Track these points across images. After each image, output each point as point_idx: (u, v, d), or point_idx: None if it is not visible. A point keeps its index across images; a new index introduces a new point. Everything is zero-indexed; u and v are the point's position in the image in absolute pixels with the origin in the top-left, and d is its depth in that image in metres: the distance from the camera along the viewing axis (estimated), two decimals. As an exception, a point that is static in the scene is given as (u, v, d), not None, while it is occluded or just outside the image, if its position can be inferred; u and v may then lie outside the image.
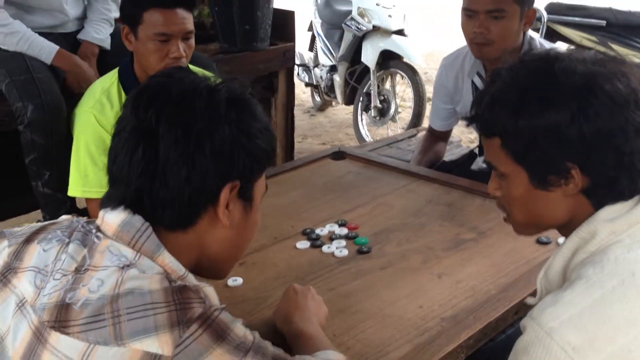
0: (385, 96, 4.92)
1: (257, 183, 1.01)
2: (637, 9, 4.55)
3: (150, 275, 0.86)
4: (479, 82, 2.16)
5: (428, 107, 5.08)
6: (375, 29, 4.85)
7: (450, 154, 2.66)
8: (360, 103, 5.06)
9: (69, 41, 2.42)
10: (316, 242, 1.59)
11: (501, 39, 1.98)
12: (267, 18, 2.91)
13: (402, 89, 5.11)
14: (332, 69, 5.46)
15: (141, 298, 0.83)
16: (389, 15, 4.89)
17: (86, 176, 1.91)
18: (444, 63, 2.30)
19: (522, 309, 1.32)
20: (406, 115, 5.30)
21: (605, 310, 0.91)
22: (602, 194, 1.01)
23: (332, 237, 1.61)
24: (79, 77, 2.31)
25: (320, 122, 5.95)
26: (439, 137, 2.44)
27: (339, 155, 2.20)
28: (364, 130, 5.07)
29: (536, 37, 2.11)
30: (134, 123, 0.93)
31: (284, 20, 3.10)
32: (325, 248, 1.57)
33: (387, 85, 5.08)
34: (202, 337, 0.82)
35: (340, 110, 6.21)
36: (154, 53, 1.88)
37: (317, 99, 5.99)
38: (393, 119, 4.95)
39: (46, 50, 2.25)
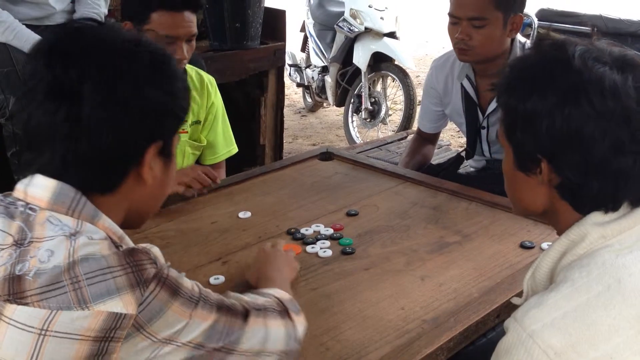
0: (376, 98, 4.92)
1: (174, 138, 1.03)
2: (626, 16, 4.59)
3: (98, 241, 0.89)
4: (468, 85, 2.16)
5: (418, 110, 5.11)
6: (367, 30, 4.86)
7: (438, 157, 2.67)
8: (351, 105, 5.07)
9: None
10: (302, 242, 1.59)
11: (482, 46, 2.00)
12: (258, 17, 2.91)
13: (393, 92, 5.12)
14: (324, 69, 5.46)
15: (97, 263, 0.86)
16: (381, 18, 4.90)
17: None
18: (434, 65, 2.30)
19: (503, 312, 1.33)
20: (397, 117, 5.30)
21: (589, 316, 0.90)
22: (573, 196, 1.00)
23: (317, 238, 1.61)
24: None
25: (311, 123, 5.95)
26: (427, 139, 2.44)
27: (326, 156, 2.20)
28: (354, 132, 5.07)
29: (529, 43, 2.11)
30: (49, 81, 0.90)
31: (275, 19, 3.09)
32: (309, 248, 1.56)
33: (378, 87, 5.08)
34: (160, 294, 0.89)
35: (331, 112, 6.21)
36: None
37: (309, 99, 5.99)
38: (383, 121, 4.96)
39: (31, 42, 2.22)
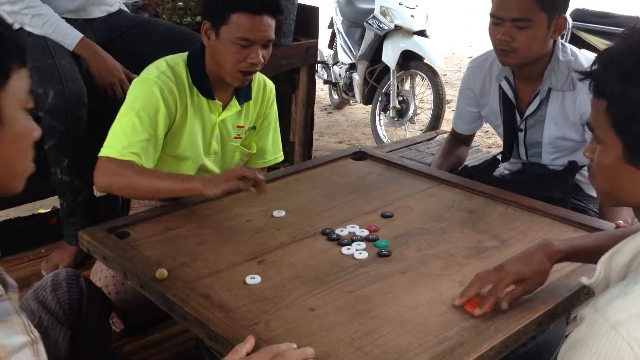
0: (405, 97, 4.88)
1: (3, 95, 0.91)
2: (665, 19, 4.49)
3: None
4: (506, 87, 2.13)
5: (447, 110, 5.06)
6: (397, 28, 4.82)
7: (471, 159, 2.63)
8: (378, 103, 5.03)
9: (93, 27, 2.41)
10: (338, 242, 1.57)
11: (525, 48, 1.95)
12: (291, 13, 2.89)
13: (422, 91, 5.07)
14: (352, 67, 5.43)
15: None
16: (412, 16, 4.86)
17: (128, 138, 1.82)
18: (471, 65, 2.27)
19: (544, 322, 1.30)
20: (424, 117, 5.26)
21: None
22: None
23: (352, 239, 1.59)
24: (100, 67, 2.30)
25: (337, 120, 5.93)
26: (461, 140, 2.41)
27: (359, 155, 2.18)
28: (381, 131, 5.04)
29: (567, 45, 2.07)
30: None
31: (308, 16, 3.07)
32: (344, 249, 1.55)
33: (407, 86, 5.04)
34: None
35: (358, 109, 6.19)
36: (233, 55, 1.85)
37: (335, 96, 5.97)
38: (411, 121, 4.92)
39: (70, 37, 2.24)
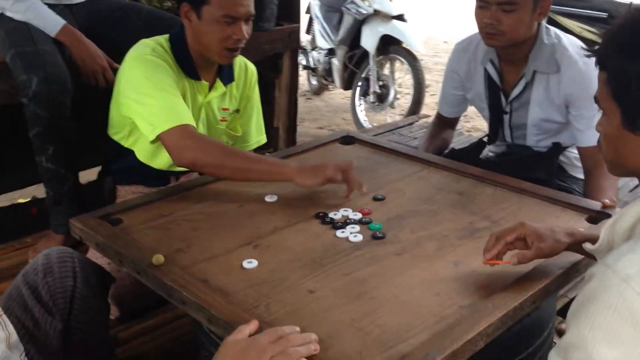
0: (385, 82, 4.90)
1: None
2: (638, 1, 4.56)
3: None
4: (491, 70, 2.15)
5: (427, 94, 5.08)
6: (376, 13, 4.83)
7: (454, 143, 2.66)
8: (358, 88, 5.04)
9: (75, 12, 2.37)
10: (332, 226, 1.58)
11: (512, 30, 1.98)
12: (273, -2, 2.88)
13: (401, 75, 5.09)
14: (330, 52, 5.42)
15: None
16: (390, 0, 4.86)
17: (174, 107, 1.82)
18: (456, 49, 2.29)
19: (538, 299, 1.33)
20: (404, 101, 5.28)
21: None
22: None
23: (346, 222, 1.60)
24: (83, 54, 2.27)
25: (317, 106, 5.93)
26: (447, 123, 2.43)
27: (347, 140, 2.19)
28: (361, 115, 5.05)
29: (551, 27, 2.09)
30: None
31: (290, 1, 3.06)
32: (339, 232, 1.56)
33: (386, 70, 5.05)
34: None
35: (337, 95, 6.19)
36: (218, 33, 1.86)
37: (314, 82, 5.96)
38: (391, 105, 4.94)
39: (52, 23, 2.20)
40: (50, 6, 2.24)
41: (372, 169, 1.96)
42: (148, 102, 1.83)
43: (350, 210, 1.66)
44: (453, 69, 2.30)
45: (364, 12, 4.86)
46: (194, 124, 1.84)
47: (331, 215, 1.64)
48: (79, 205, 2.27)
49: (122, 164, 2.12)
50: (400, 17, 4.83)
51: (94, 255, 1.83)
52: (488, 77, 2.17)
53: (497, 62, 2.14)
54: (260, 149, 2.35)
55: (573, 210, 1.69)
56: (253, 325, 1.13)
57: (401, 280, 1.37)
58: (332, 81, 5.43)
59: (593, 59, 2.01)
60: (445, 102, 2.39)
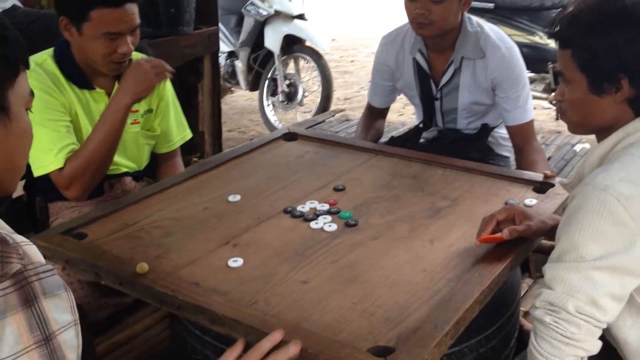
0: (292, 80, 4.95)
1: (11, 91, 0.93)
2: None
3: None
4: (420, 59, 2.25)
5: (336, 89, 5.19)
6: (277, 13, 4.87)
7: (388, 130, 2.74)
8: (266, 88, 5.06)
9: None
10: (303, 219, 1.61)
11: (441, 20, 2.09)
12: (192, 1, 2.84)
13: (308, 73, 5.17)
14: (231, 54, 5.40)
15: None
16: (290, 0, 4.92)
17: (53, 145, 1.81)
18: (384, 42, 2.37)
19: (514, 265, 1.43)
20: (311, 98, 5.37)
21: None
22: None
23: (315, 214, 1.63)
24: None
25: (222, 110, 5.88)
26: (378, 114, 2.52)
27: (290, 136, 2.22)
28: (271, 115, 5.08)
29: (472, 17, 2.23)
30: None
31: (207, 4, 3.04)
32: (312, 224, 1.59)
33: (291, 69, 5.11)
34: (11, 296, 0.80)
35: (240, 97, 6.17)
36: (101, 50, 1.81)
37: (217, 86, 5.90)
38: (300, 103, 5.00)
39: None
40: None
41: (323, 162, 2.00)
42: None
43: (316, 202, 1.70)
44: (382, 61, 2.38)
45: (265, 13, 4.88)
46: (60, 163, 1.82)
47: (299, 208, 1.67)
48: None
49: (49, 182, 2.03)
50: (301, 17, 4.91)
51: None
52: (417, 66, 2.28)
53: (426, 52, 2.25)
54: (186, 154, 2.32)
55: (519, 183, 1.82)
56: (239, 347, 1.09)
57: (386, 262, 1.42)
58: (236, 83, 5.40)
59: (514, 45, 2.18)
60: (375, 93, 2.48)
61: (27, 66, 0.96)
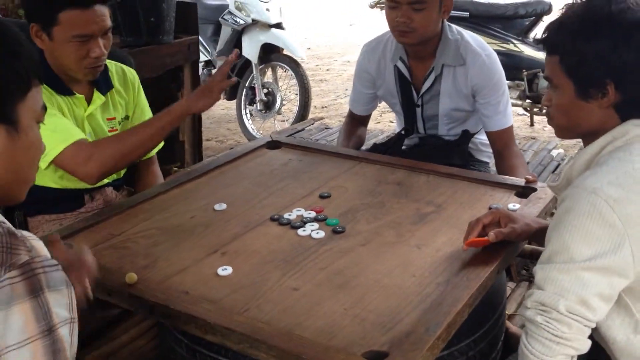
0: (270, 89, 4.96)
1: (21, 105, 0.97)
2: (494, 0, 4.98)
3: None
4: (402, 67, 2.28)
5: (314, 98, 5.20)
6: (254, 22, 4.87)
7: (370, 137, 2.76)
8: (244, 97, 5.05)
9: None
10: (290, 226, 1.62)
11: (422, 28, 2.12)
12: (172, 10, 2.84)
13: (286, 82, 5.18)
14: (208, 64, 5.40)
15: None
16: (267, 9, 4.94)
17: (58, 129, 1.77)
18: (365, 49, 2.39)
19: (501, 269, 1.45)
20: (289, 107, 5.38)
21: (636, 175, 1.21)
22: (628, 109, 1.29)
23: (302, 221, 1.64)
24: None
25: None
26: (359, 121, 2.54)
27: (273, 144, 2.22)
28: (249, 124, 5.07)
29: (452, 25, 2.26)
30: None
31: (186, 13, 3.04)
32: (300, 232, 1.59)
33: (269, 78, 5.12)
34: (18, 285, 0.83)
35: (216, 106, 6.14)
36: (73, 54, 1.80)
37: (193, 95, 5.88)
38: (279, 112, 5.01)
39: None
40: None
41: (307, 170, 2.01)
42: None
43: (303, 210, 1.70)
44: (363, 68, 2.40)
45: (242, 22, 4.89)
46: (84, 136, 1.83)
47: (286, 216, 1.67)
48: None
49: (29, 195, 2.00)
50: (278, 26, 4.92)
51: None
52: (399, 74, 2.30)
53: (407, 60, 2.28)
54: (166, 164, 2.31)
55: (502, 188, 1.84)
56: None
57: (376, 268, 1.43)
58: (214, 93, 5.38)
59: (493, 52, 2.22)
60: (357, 100, 2.49)
61: (40, 81, 1.00)
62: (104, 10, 1.82)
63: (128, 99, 2.09)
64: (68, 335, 0.88)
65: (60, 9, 1.76)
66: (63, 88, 1.90)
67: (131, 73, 2.12)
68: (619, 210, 1.18)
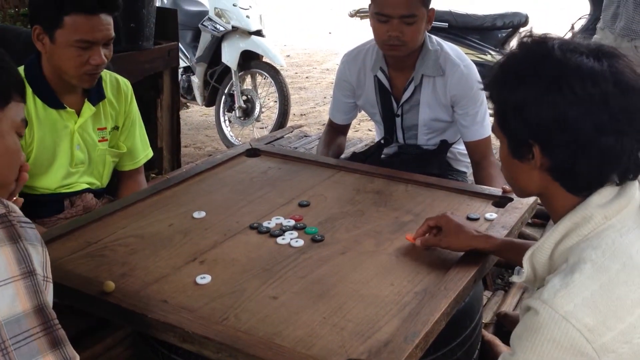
0: (249, 96, 4.95)
1: (1, 115, 1.02)
2: (473, 11, 5.04)
3: None
4: (382, 77, 2.29)
5: (293, 105, 5.20)
6: (234, 29, 4.87)
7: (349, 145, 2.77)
8: (222, 104, 5.04)
9: None
10: (269, 234, 1.62)
11: (412, 41, 2.14)
12: (151, 16, 2.83)
13: (265, 89, 5.18)
14: (186, 70, 5.37)
15: None
16: (247, 16, 4.94)
17: None
18: (345, 59, 2.40)
19: (478, 278, 1.46)
20: (268, 114, 5.37)
21: (614, 292, 1.04)
22: (564, 177, 1.13)
23: (282, 229, 1.64)
24: None
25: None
26: (339, 130, 2.55)
27: (253, 152, 2.22)
28: (227, 131, 5.06)
29: (432, 35, 2.28)
30: None
31: (166, 19, 3.03)
32: (279, 240, 1.59)
33: (248, 85, 5.11)
34: None
35: (194, 113, 6.14)
36: (73, 59, 1.81)
37: (172, 101, 5.85)
38: (257, 119, 5.00)
39: None
40: None
41: (287, 178, 2.01)
42: None
43: (282, 218, 1.70)
44: (344, 78, 2.42)
45: (222, 29, 4.88)
46: None
47: (265, 224, 1.67)
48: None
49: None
50: (258, 33, 4.92)
51: None
52: (379, 84, 2.32)
53: (387, 70, 2.29)
54: (144, 170, 2.30)
55: (480, 198, 1.86)
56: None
57: (355, 277, 1.44)
58: (192, 99, 5.36)
59: (472, 63, 2.22)
60: (337, 109, 2.51)
61: (23, 99, 1.04)
62: (109, 20, 1.83)
63: (119, 109, 2.09)
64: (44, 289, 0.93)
65: (66, 12, 1.76)
66: (55, 102, 1.90)
67: (125, 84, 2.12)
68: (594, 341, 1.02)
